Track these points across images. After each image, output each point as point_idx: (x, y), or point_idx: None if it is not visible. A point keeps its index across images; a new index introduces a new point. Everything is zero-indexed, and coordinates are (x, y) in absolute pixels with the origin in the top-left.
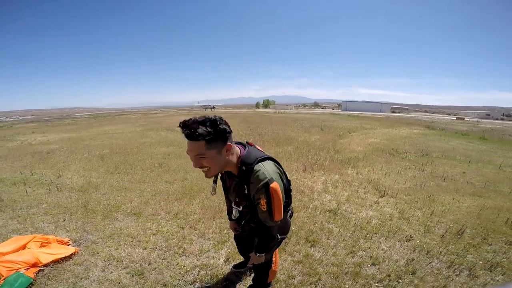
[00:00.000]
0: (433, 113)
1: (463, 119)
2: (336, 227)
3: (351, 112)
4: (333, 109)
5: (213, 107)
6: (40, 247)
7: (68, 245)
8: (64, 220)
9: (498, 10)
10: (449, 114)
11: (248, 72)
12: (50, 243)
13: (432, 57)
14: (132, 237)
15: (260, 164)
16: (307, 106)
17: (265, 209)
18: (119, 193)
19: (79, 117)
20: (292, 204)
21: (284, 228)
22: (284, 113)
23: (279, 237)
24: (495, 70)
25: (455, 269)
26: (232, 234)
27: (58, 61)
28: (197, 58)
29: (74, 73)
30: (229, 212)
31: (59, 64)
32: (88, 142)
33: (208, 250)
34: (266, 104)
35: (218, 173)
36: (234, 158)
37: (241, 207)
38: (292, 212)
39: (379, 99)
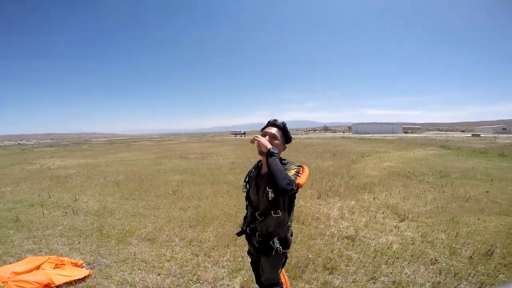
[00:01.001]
0: (446, 131)
1: (479, 135)
2: (355, 253)
3: (363, 135)
4: (343, 133)
5: (244, 133)
6: (54, 268)
7: (82, 267)
8: (79, 243)
9: (505, 18)
10: (463, 131)
11: (255, 98)
12: (64, 264)
13: (441, 72)
14: (146, 263)
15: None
16: (317, 130)
17: (293, 173)
18: (134, 219)
19: (96, 142)
20: (308, 231)
21: (286, 242)
22: (294, 138)
23: (281, 250)
24: (506, 80)
25: None
26: (246, 262)
27: (77, 86)
28: (206, 86)
29: (91, 99)
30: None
31: (77, 89)
32: (104, 168)
33: (223, 278)
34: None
35: (249, 176)
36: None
37: (265, 195)
38: (292, 232)
39: (389, 119)
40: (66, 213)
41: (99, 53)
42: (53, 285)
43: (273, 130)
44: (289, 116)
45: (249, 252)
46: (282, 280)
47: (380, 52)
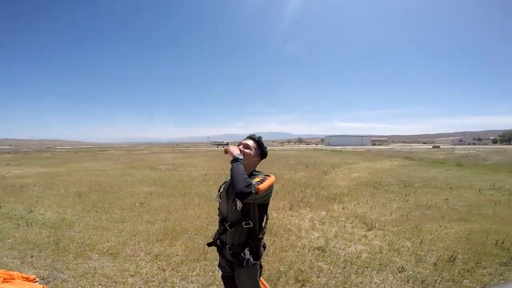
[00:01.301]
0: (410, 143)
1: (439, 147)
2: (326, 264)
3: (334, 147)
4: (316, 145)
5: (227, 144)
6: (3, 282)
7: (35, 282)
8: (32, 256)
9: (471, 36)
10: (425, 143)
11: (232, 110)
12: (14, 279)
13: (409, 87)
14: (107, 278)
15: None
16: (292, 142)
17: (258, 180)
18: (95, 232)
19: (59, 150)
20: (280, 243)
21: (258, 254)
22: (270, 150)
23: (252, 261)
24: (463, 95)
25: None
26: (217, 276)
27: (37, 88)
28: (181, 96)
29: (56, 103)
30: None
31: (39, 92)
32: (66, 178)
33: None
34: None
35: (223, 185)
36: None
37: (234, 205)
38: (264, 245)
39: (359, 131)
40: (18, 225)
41: (66, 56)
42: None
43: (249, 142)
44: (265, 128)
45: (220, 265)
46: None
47: (352, 66)
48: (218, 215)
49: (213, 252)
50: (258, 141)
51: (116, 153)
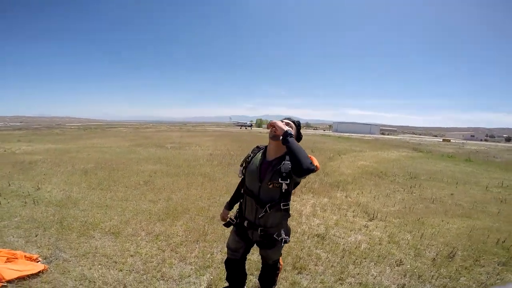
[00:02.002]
0: (420, 134)
1: (449, 140)
2: (324, 252)
3: (342, 134)
4: (324, 130)
5: (251, 126)
6: (6, 262)
7: (37, 261)
8: (36, 235)
9: (486, 30)
10: (436, 136)
11: (241, 90)
12: (17, 258)
13: (421, 78)
14: (108, 257)
15: None
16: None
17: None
18: (99, 210)
19: (69, 127)
20: None
21: (289, 230)
22: None
23: (288, 239)
24: (480, 91)
25: None
26: (216, 259)
27: (49, 67)
28: (191, 75)
29: (66, 81)
30: (234, 201)
31: (50, 70)
32: (74, 154)
33: (189, 276)
34: (259, 123)
35: (247, 161)
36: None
37: (276, 185)
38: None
39: (369, 119)
40: (25, 203)
41: (76, 35)
42: (3, 280)
43: (289, 122)
44: (272, 111)
45: (229, 248)
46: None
47: (364, 54)
48: (245, 194)
49: (213, 233)
50: (297, 125)
51: (124, 130)
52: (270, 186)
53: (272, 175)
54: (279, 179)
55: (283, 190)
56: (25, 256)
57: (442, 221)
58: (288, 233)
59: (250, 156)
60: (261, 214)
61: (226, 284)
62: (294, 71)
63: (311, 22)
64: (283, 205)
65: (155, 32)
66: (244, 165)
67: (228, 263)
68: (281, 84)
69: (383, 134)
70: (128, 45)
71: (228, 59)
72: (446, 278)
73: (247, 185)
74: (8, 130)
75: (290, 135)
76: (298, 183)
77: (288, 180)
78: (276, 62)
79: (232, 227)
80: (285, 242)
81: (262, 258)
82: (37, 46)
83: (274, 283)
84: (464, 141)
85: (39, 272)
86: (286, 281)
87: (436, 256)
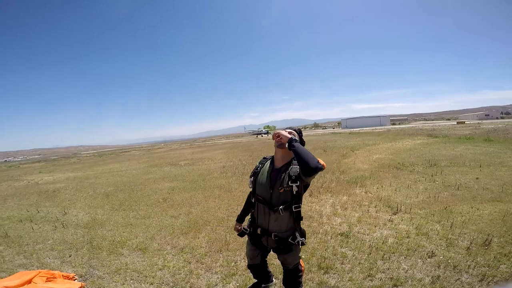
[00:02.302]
0: (432, 120)
1: (464, 122)
2: (350, 250)
3: (352, 130)
4: (333, 128)
5: (267, 133)
6: (46, 281)
7: (74, 280)
8: (70, 256)
9: (486, 13)
10: (449, 119)
11: (244, 101)
12: (56, 278)
13: (424, 64)
14: (138, 272)
15: None
16: (307, 127)
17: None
18: (125, 229)
19: (85, 155)
20: None
21: (304, 232)
22: None
23: (304, 241)
24: (486, 70)
25: (489, 282)
26: (240, 266)
27: (61, 100)
28: (195, 92)
29: (77, 112)
30: (244, 213)
31: (62, 102)
32: (93, 180)
33: (216, 284)
34: (267, 130)
35: (256, 172)
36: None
37: (287, 188)
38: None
39: (377, 112)
40: (55, 227)
41: (80, 60)
42: None
43: (291, 131)
44: (279, 116)
45: (248, 256)
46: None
47: (363, 47)
48: (256, 202)
49: (234, 242)
50: (299, 132)
51: (137, 153)
52: (281, 190)
53: (282, 180)
54: (289, 182)
55: (294, 192)
56: (62, 275)
57: (472, 207)
58: (303, 235)
59: (258, 167)
60: (275, 218)
61: (255, 281)
62: (294, 73)
63: (306, 21)
64: (295, 207)
65: (154, 49)
66: (253, 176)
67: (250, 267)
68: (282, 89)
69: (393, 124)
70: (130, 67)
71: (227, 70)
72: (484, 266)
73: (258, 194)
74: (28, 163)
75: (295, 140)
76: (308, 186)
77: (298, 182)
78: (276, 68)
79: (246, 236)
80: (302, 244)
81: (282, 264)
82: (43, 77)
83: (299, 285)
84: (480, 121)
85: None
86: (312, 282)
87: (470, 244)
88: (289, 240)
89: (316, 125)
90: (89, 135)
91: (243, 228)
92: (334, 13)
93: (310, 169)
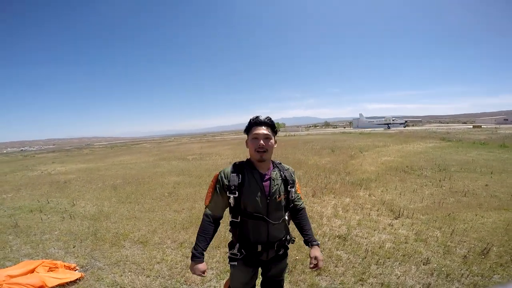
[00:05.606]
0: (447, 123)
1: (480, 126)
2: (345, 253)
3: (363, 130)
4: (344, 128)
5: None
6: (48, 271)
7: (75, 270)
8: (74, 247)
9: (506, 14)
10: (465, 123)
11: (257, 97)
12: (57, 268)
13: (441, 66)
14: (137, 265)
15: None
16: (318, 126)
17: (299, 191)
18: (129, 222)
19: (97, 146)
20: (298, 232)
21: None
22: (294, 135)
23: (294, 238)
24: (506, 73)
25: None
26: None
27: (77, 91)
28: (208, 86)
29: (92, 103)
30: (207, 243)
31: (78, 94)
32: (103, 172)
33: (210, 280)
34: (278, 127)
35: (235, 185)
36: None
37: (284, 195)
38: None
39: (390, 113)
40: (63, 218)
41: (93, 53)
42: (46, 287)
43: (264, 130)
44: (289, 113)
45: (244, 281)
46: None
47: (378, 47)
48: (245, 217)
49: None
50: (271, 124)
51: (148, 146)
52: (279, 198)
53: (279, 187)
54: (288, 187)
55: (290, 197)
56: (64, 265)
57: (476, 215)
58: (288, 231)
59: (239, 177)
60: (275, 227)
61: None
62: (307, 72)
63: (321, 21)
64: (287, 214)
65: (163, 45)
66: (236, 189)
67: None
68: (295, 86)
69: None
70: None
71: (240, 65)
72: (477, 276)
73: (248, 209)
74: (43, 153)
75: (317, 243)
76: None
77: (294, 185)
78: (287, 65)
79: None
80: (293, 241)
81: (273, 277)
82: (59, 70)
83: None
84: (497, 126)
85: (77, 279)
86: (304, 283)
87: (468, 253)
88: (284, 244)
89: (327, 124)
90: (102, 126)
91: (231, 253)
92: (350, 10)
93: None
